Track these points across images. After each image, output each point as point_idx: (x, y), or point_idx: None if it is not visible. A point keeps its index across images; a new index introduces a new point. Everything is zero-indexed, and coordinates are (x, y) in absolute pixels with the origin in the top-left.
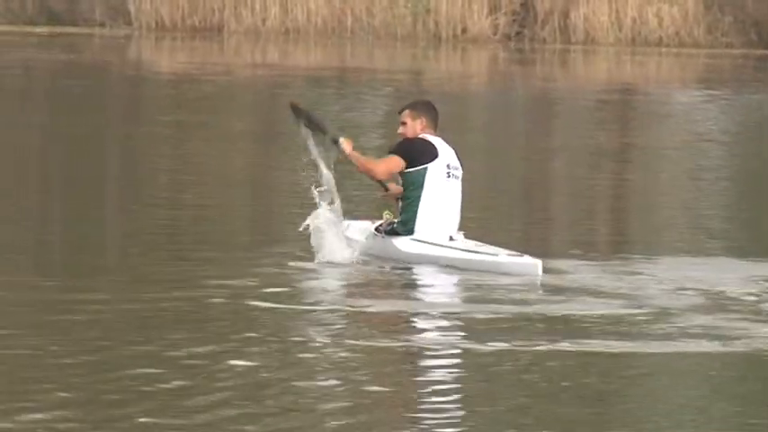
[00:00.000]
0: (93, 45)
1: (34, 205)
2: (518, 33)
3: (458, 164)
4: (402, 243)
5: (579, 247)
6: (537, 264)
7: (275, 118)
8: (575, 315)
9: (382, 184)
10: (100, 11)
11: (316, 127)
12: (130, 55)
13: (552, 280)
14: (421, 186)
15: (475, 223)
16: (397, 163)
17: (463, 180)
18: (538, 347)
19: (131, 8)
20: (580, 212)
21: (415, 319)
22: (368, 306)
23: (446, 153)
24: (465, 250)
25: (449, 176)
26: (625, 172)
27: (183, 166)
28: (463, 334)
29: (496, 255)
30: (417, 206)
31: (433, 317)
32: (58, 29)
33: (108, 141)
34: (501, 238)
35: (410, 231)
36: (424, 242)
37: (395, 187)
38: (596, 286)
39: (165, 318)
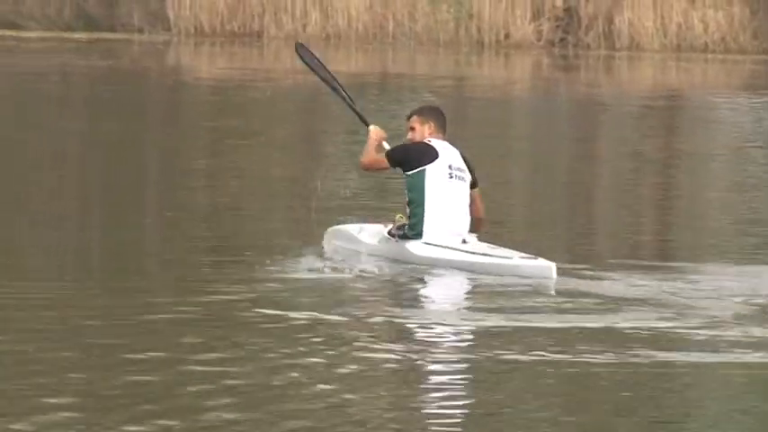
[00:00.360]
0: (131, 51)
1: (72, 211)
2: (562, 39)
3: (462, 165)
4: (415, 247)
5: (622, 255)
6: (551, 266)
7: (316, 124)
8: (618, 325)
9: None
10: (138, 16)
11: (335, 89)
12: (169, 61)
13: (591, 287)
14: (423, 188)
15: (517, 229)
16: (381, 161)
17: (506, 186)
18: (564, 356)
19: (170, 14)
20: (624, 219)
21: (427, 326)
22: (381, 312)
23: (448, 154)
24: (479, 254)
25: (451, 177)
26: (671, 178)
27: (222, 173)
28: (493, 342)
29: (510, 258)
30: (423, 208)
31: (451, 324)
32: (96, 35)
33: (147, 147)
34: (543, 245)
35: (419, 234)
36: (438, 246)
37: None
38: (637, 293)
39: (181, 323)
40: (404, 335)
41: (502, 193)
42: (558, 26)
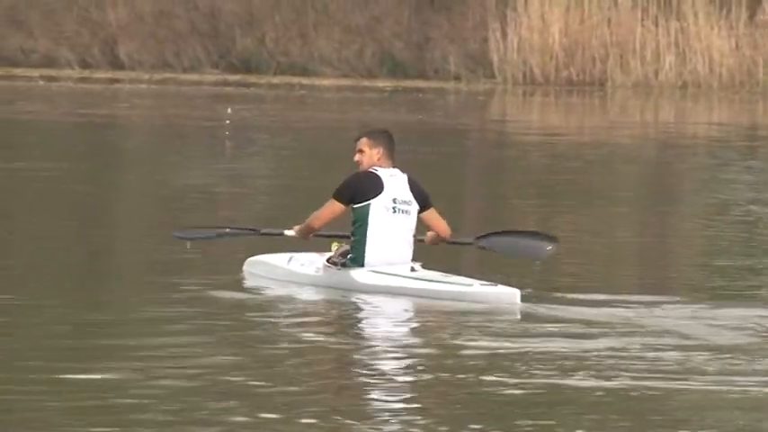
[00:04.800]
0: (446, 102)
1: None
2: None
3: (407, 197)
4: (361, 275)
5: None
6: (515, 293)
7: (666, 185)
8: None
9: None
10: (455, 61)
11: (233, 234)
12: (492, 114)
13: None
14: (366, 222)
15: None
16: (334, 209)
17: None
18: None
19: (494, 58)
20: None
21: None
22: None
23: (393, 187)
24: (437, 281)
25: (395, 211)
26: None
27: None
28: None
29: (471, 285)
30: (365, 242)
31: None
32: (403, 83)
33: (465, 215)
34: None
35: (361, 266)
36: (387, 273)
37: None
38: None
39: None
40: (353, 362)
41: None
42: None
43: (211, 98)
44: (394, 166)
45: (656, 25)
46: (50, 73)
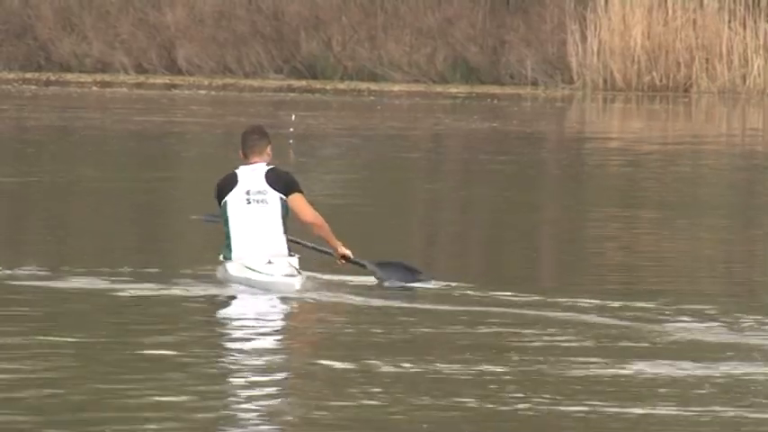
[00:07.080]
0: (522, 109)
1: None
2: None
3: (264, 187)
4: (230, 267)
5: None
6: (293, 283)
7: (753, 197)
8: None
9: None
10: (532, 66)
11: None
12: (571, 122)
13: None
14: (227, 217)
15: None
16: (217, 212)
17: None
18: None
19: (572, 62)
20: None
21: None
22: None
23: (248, 180)
24: (256, 271)
25: (249, 202)
26: None
27: (637, 261)
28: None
29: (272, 275)
30: (229, 238)
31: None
32: (477, 88)
33: (542, 226)
34: None
35: (230, 259)
36: (241, 266)
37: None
38: None
39: None
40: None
41: None
42: None
43: (274, 105)
44: (264, 161)
45: (744, 27)
46: (104, 78)
